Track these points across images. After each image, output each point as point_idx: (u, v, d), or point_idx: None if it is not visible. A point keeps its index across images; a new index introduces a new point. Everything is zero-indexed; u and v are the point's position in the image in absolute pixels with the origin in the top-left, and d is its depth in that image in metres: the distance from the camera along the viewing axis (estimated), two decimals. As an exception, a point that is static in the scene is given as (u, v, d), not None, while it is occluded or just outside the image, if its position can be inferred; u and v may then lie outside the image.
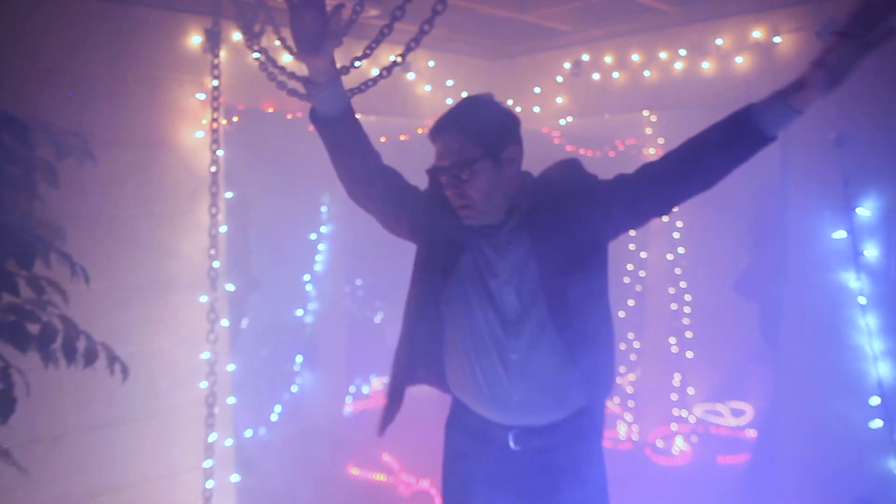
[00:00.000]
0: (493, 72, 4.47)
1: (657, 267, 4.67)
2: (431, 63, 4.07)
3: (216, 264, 3.09)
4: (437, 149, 1.78)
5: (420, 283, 1.92)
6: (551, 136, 4.49)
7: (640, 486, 3.97)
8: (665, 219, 4.08)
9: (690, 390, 4.75)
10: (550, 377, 1.80)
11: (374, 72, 2.31)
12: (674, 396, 4.68)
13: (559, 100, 4.13)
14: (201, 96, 3.14)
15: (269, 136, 3.86)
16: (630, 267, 4.83)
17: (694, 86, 3.53)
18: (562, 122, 4.20)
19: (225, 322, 3.20)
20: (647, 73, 3.71)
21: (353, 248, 5.05)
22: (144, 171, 3.01)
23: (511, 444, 1.85)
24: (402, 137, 4.24)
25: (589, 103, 4.02)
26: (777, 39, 3.22)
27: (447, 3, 1.87)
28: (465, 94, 4.16)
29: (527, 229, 1.79)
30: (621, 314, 4.78)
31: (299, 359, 5.07)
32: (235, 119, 3.53)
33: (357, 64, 2.44)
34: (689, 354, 4.64)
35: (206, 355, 3.08)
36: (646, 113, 4.35)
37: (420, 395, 2.11)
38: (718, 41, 3.42)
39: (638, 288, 4.84)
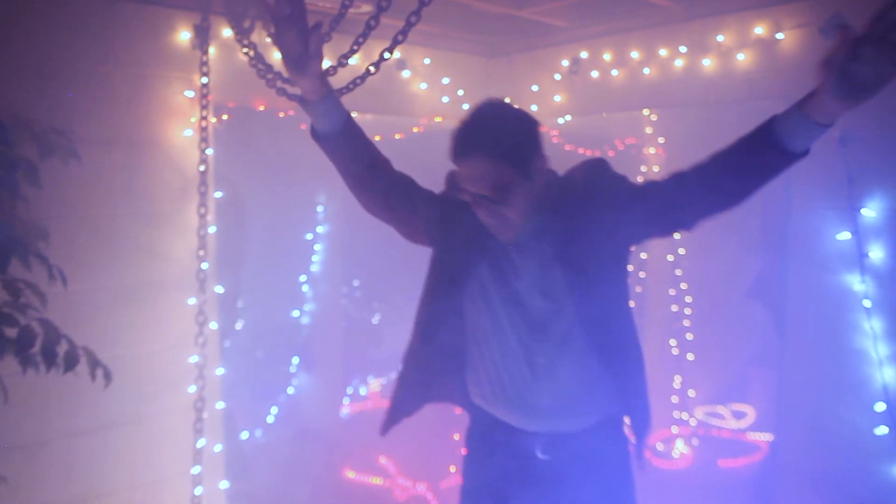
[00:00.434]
0: (490, 69, 4.41)
1: (657, 268, 4.62)
2: (427, 60, 4.01)
3: (205, 266, 3.02)
4: (464, 171, 1.66)
5: (439, 291, 1.85)
6: (549, 136, 4.42)
7: (639, 489, 3.90)
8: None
9: (691, 392, 4.70)
10: (579, 380, 1.76)
11: (371, 68, 2.27)
12: (674, 399, 4.62)
13: (557, 98, 4.07)
14: (190, 94, 3.07)
15: (260, 134, 3.80)
16: (630, 268, 4.75)
17: (695, 84, 3.46)
18: (560, 120, 4.13)
19: (214, 325, 3.13)
20: (646, 71, 3.64)
21: (351, 248, 5.01)
22: (131, 170, 2.95)
23: (539, 453, 1.80)
24: (397, 136, 4.19)
25: (587, 101, 3.96)
26: (780, 36, 3.15)
27: (434, -6, 1.83)
28: (461, 92, 4.15)
29: (551, 229, 1.73)
30: (621, 315, 4.71)
31: (295, 360, 5.03)
32: (225, 117, 3.47)
33: (346, 62, 2.40)
34: (690, 356, 4.60)
35: (194, 359, 3.01)
36: (646, 112, 4.29)
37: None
38: (720, 38, 3.35)
39: (638, 289, 4.78)
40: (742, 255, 4.52)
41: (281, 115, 3.63)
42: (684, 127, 4.16)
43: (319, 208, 4.99)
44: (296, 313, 5.01)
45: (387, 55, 2.16)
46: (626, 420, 1.87)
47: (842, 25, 1.27)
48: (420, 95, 4.04)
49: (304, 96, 1.59)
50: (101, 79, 2.85)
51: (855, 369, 2.94)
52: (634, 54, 3.68)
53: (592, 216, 1.71)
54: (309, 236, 4.96)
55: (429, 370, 1.92)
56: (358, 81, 2.38)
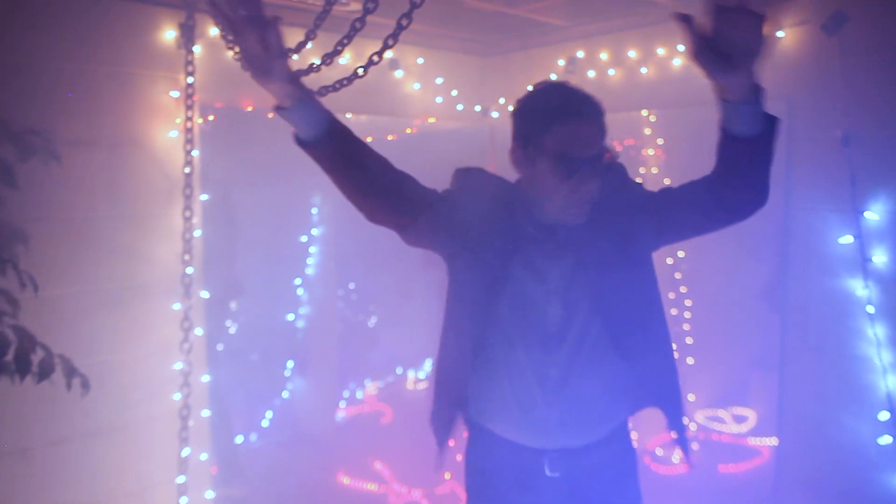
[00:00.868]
0: (485, 69, 4.34)
1: (656, 271, 4.53)
2: (420, 60, 3.94)
3: (190, 270, 2.96)
4: (585, 131, 1.57)
5: (475, 300, 1.71)
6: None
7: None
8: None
9: (691, 397, 4.65)
10: (591, 392, 1.69)
11: (360, 71, 2.20)
12: (674, 404, 4.54)
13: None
14: (175, 94, 3.00)
15: (249, 135, 3.74)
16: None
17: (693, 83, 3.37)
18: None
19: (199, 330, 3.06)
20: (644, 70, 3.58)
21: (346, 250, 4.95)
22: (115, 171, 2.88)
23: (547, 470, 1.72)
24: (390, 137, 4.13)
25: (584, 101, 3.87)
26: (780, 34, 3.08)
27: (426, -6, 1.75)
28: (455, 93, 4.09)
29: (577, 232, 1.67)
30: (620, 319, 4.65)
31: (290, 364, 4.99)
32: (211, 118, 3.39)
33: (330, 62, 2.32)
34: (690, 361, 4.52)
35: (178, 366, 2.94)
36: (644, 112, 4.21)
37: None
38: (719, 36, 3.25)
39: (637, 292, 4.71)
40: (742, 257, 4.44)
41: (270, 115, 3.53)
42: (684, 128, 4.09)
43: (314, 210, 4.94)
44: (291, 317, 4.96)
45: (376, 59, 2.08)
46: (661, 414, 1.82)
47: (683, 18, 1.26)
48: (413, 96, 3.97)
49: (278, 102, 1.48)
50: (84, 78, 2.78)
51: (858, 377, 2.88)
52: (632, 53, 3.61)
53: (615, 219, 1.67)
54: (304, 238, 4.92)
55: (456, 390, 1.80)
56: (344, 83, 2.29)
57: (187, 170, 2.96)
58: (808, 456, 3.08)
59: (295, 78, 1.45)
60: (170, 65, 2.98)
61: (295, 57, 2.43)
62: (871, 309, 2.82)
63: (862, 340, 2.86)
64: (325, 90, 2.31)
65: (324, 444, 4.69)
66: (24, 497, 2.71)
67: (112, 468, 2.92)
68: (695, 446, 4.47)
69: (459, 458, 1.93)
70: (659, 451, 4.42)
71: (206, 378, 3.15)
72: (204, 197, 3.15)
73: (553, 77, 4.00)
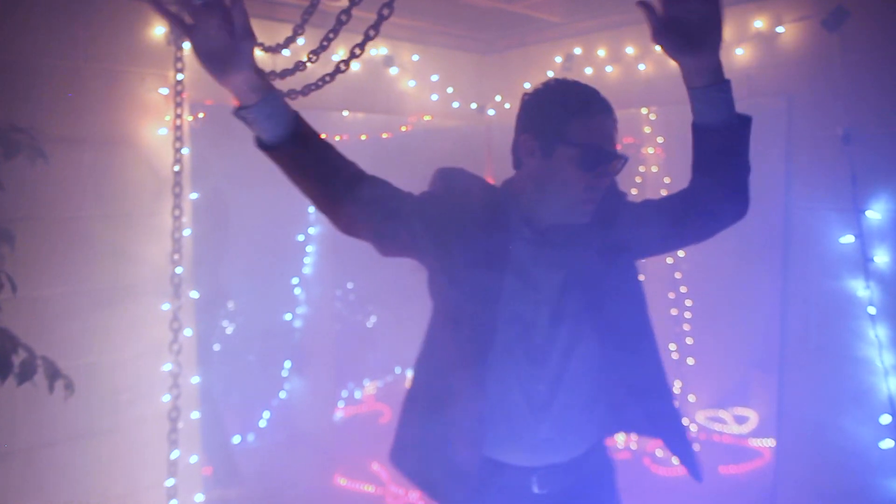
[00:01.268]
0: (481, 66, 4.30)
1: (656, 271, 4.51)
2: (416, 57, 3.90)
3: (179, 270, 2.91)
4: (600, 127, 1.54)
5: (456, 315, 1.61)
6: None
7: (638, 497, 3.81)
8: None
9: (691, 398, 4.61)
10: (580, 409, 1.63)
11: (354, 66, 2.15)
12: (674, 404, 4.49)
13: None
14: (164, 91, 2.96)
15: (240, 132, 3.68)
16: (641, 277, 4.66)
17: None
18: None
19: (188, 331, 3.02)
20: (641, 67, 3.54)
21: (344, 249, 4.91)
22: (103, 170, 2.84)
23: (535, 488, 1.65)
24: (385, 135, 4.09)
25: (581, 99, 3.83)
26: (780, 29, 3.05)
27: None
28: (451, 90, 4.05)
29: (571, 240, 1.60)
30: (620, 319, 4.62)
31: (288, 364, 4.95)
32: (201, 115, 3.35)
33: (316, 58, 2.27)
34: (690, 361, 4.48)
35: (167, 367, 2.90)
36: (644, 111, 4.16)
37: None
38: (718, 32, 3.21)
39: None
40: (743, 257, 4.40)
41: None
42: (684, 126, 4.03)
43: (311, 209, 4.89)
44: (288, 316, 4.92)
45: (358, 52, 2.03)
46: (661, 445, 1.77)
47: (643, 3, 1.34)
48: (408, 93, 3.93)
49: (241, 99, 1.29)
50: (71, 74, 2.74)
51: (859, 379, 2.84)
52: (629, 50, 3.57)
53: (604, 227, 1.60)
54: (300, 238, 4.87)
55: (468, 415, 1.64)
56: (327, 79, 2.24)
57: (177, 168, 2.91)
58: (807, 460, 3.04)
59: (257, 68, 1.29)
60: (159, 61, 2.94)
61: (286, 52, 2.40)
62: (872, 310, 2.79)
63: (863, 342, 2.82)
64: (310, 88, 2.27)
65: (321, 444, 4.66)
66: (11, 500, 2.67)
67: (101, 471, 2.88)
68: (696, 447, 4.43)
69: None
70: (659, 453, 4.38)
71: (195, 379, 3.11)
72: (194, 195, 3.11)
73: (550, 74, 3.95)
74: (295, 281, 4.90)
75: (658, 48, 1.39)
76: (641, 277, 1.71)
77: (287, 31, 2.36)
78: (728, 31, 3.16)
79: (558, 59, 3.89)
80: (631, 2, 1.37)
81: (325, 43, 2.16)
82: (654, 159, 4.42)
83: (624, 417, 1.70)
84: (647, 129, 4.36)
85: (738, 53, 3.16)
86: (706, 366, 4.54)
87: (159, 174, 2.97)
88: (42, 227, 2.70)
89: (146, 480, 2.98)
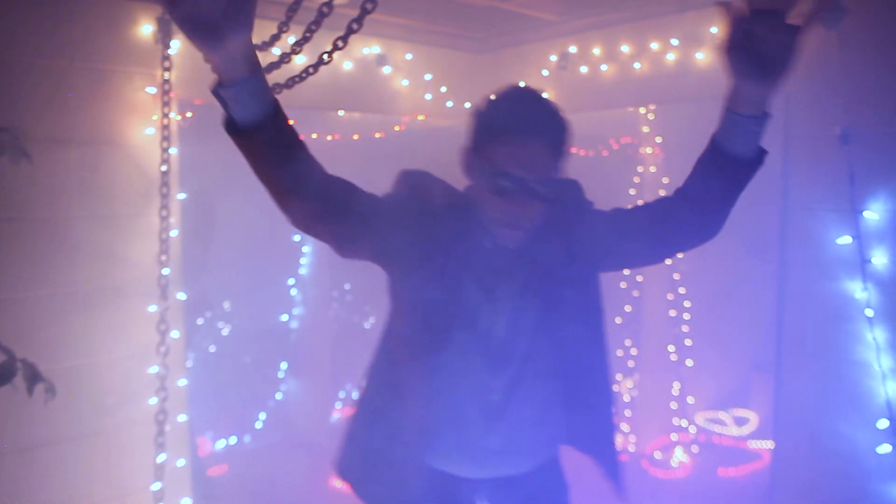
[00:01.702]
0: (475, 65, 4.27)
1: (655, 271, 4.46)
2: (409, 56, 3.86)
3: (166, 271, 2.89)
4: (521, 152, 1.43)
5: (411, 320, 1.57)
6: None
7: (636, 500, 3.76)
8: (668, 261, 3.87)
9: (690, 399, 4.56)
10: (534, 421, 1.58)
11: (347, 65, 2.11)
12: (673, 405, 4.47)
13: (545, 95, 3.90)
14: (152, 90, 2.93)
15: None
16: (627, 271, 4.62)
17: (688, 78, 3.32)
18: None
19: (176, 333, 2.99)
20: (637, 66, 3.49)
21: (341, 250, 4.87)
22: (89, 170, 2.81)
23: (481, 502, 1.63)
24: (378, 135, 4.05)
25: (577, 98, 3.81)
26: None
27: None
28: (444, 89, 4.00)
29: (528, 248, 1.55)
30: (618, 320, 4.58)
31: (284, 365, 4.94)
32: (189, 115, 3.32)
33: (299, 50, 2.24)
34: (689, 363, 4.44)
35: (154, 369, 2.87)
36: (642, 110, 4.12)
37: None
38: (713, 29, 3.20)
39: (635, 293, 4.63)
40: (742, 257, 4.36)
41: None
42: (683, 125, 4.00)
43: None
44: (284, 317, 4.91)
45: (340, 44, 1.99)
46: (592, 462, 1.70)
47: (724, 3, 1.24)
48: (402, 92, 3.89)
49: (227, 75, 1.17)
50: (57, 74, 2.71)
51: (856, 383, 2.80)
52: (625, 48, 3.53)
53: (566, 237, 1.55)
54: (296, 238, 4.85)
55: (414, 422, 1.60)
56: (311, 70, 2.21)
57: (164, 168, 2.89)
58: (804, 464, 2.99)
59: (251, 39, 1.17)
60: (146, 60, 2.91)
61: (276, 51, 2.36)
62: (870, 312, 2.74)
63: (860, 345, 2.78)
64: (293, 80, 2.24)
65: (318, 446, 4.63)
66: (-4, 503, 2.65)
67: (87, 474, 2.85)
68: (695, 449, 4.39)
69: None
70: (657, 455, 4.34)
71: (182, 382, 3.08)
72: (181, 196, 3.07)
73: (545, 73, 3.91)
74: (291, 282, 4.88)
75: (722, 62, 1.27)
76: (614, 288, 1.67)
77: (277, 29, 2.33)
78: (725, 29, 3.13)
79: (553, 58, 3.85)
80: (627, 0, 1.31)
81: (307, 34, 2.13)
82: (653, 159, 4.37)
83: (565, 431, 1.65)
84: (645, 129, 4.31)
85: (734, 52, 3.11)
86: (705, 367, 4.49)
87: (147, 174, 2.94)
88: (27, 228, 2.67)
89: (133, 484, 2.95)
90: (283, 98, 2.21)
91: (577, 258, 1.55)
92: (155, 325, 2.88)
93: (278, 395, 4.91)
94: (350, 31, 1.93)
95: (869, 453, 2.74)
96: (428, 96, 3.97)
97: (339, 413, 5.13)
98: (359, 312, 5.67)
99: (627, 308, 4.60)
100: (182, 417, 3.06)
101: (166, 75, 2.87)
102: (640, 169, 4.39)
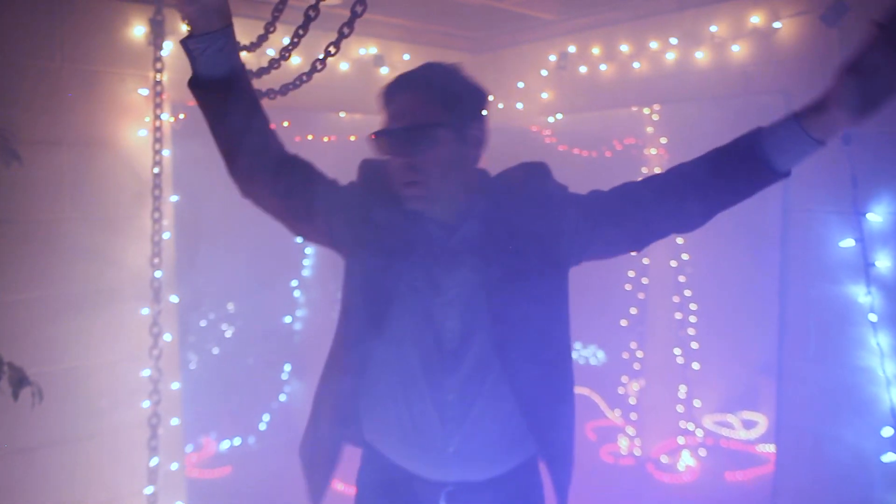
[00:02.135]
0: (474, 65, 4.11)
1: (660, 274, 4.41)
2: (406, 56, 3.84)
3: (159, 274, 2.87)
4: (392, 111, 1.45)
5: (357, 308, 1.56)
6: (542, 135, 4.21)
7: None
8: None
9: (697, 403, 4.51)
10: (495, 423, 1.51)
11: (344, 66, 2.08)
12: (679, 409, 4.42)
13: (544, 95, 3.88)
14: (144, 92, 2.92)
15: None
16: (631, 273, 4.57)
17: (687, 77, 3.27)
18: (550, 119, 3.94)
19: (168, 336, 2.98)
20: (636, 65, 3.45)
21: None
22: (81, 172, 2.81)
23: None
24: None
25: (576, 98, 3.78)
26: (777, 25, 2.96)
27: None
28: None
29: (480, 238, 1.49)
30: (623, 322, 4.53)
31: (288, 367, 4.92)
32: (182, 116, 3.30)
33: (288, 55, 2.22)
34: (696, 366, 4.38)
35: (146, 373, 2.86)
36: (647, 110, 4.06)
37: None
38: (713, 28, 3.16)
39: (640, 296, 4.57)
40: (748, 259, 4.29)
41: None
42: (688, 126, 3.94)
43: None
44: (288, 319, 4.90)
45: (332, 50, 1.97)
46: (543, 468, 1.63)
47: (879, 23, 1.12)
48: (400, 93, 3.84)
49: (201, 24, 1.23)
50: (48, 75, 2.71)
51: (860, 389, 2.74)
52: (624, 48, 3.49)
53: (529, 226, 1.48)
54: (299, 239, 4.81)
55: (343, 407, 1.61)
56: (305, 78, 2.19)
57: (156, 170, 2.87)
58: (807, 473, 2.94)
59: None
60: (139, 62, 2.90)
61: (271, 52, 2.35)
62: (873, 317, 2.68)
63: (864, 350, 2.72)
64: (287, 87, 2.22)
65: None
66: (-12, 507, 2.65)
67: (79, 478, 2.84)
68: (702, 453, 4.33)
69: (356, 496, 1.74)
70: (664, 459, 4.28)
71: (175, 385, 3.07)
72: (174, 198, 3.06)
73: (544, 73, 3.87)
74: (294, 283, 4.87)
75: (836, 80, 1.18)
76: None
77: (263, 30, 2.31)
78: (724, 28, 3.07)
79: (552, 58, 3.82)
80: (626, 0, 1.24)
81: (295, 39, 2.11)
82: (657, 160, 4.31)
83: (530, 438, 1.57)
84: (649, 130, 4.25)
85: (734, 50, 3.08)
86: (712, 370, 4.44)
87: (139, 176, 2.93)
88: (18, 230, 2.67)
89: (126, 488, 2.94)
90: (279, 101, 2.21)
91: (537, 246, 1.48)
92: (147, 328, 2.86)
93: (282, 397, 4.89)
94: (342, 37, 1.90)
95: (873, 462, 2.68)
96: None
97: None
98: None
99: (633, 310, 4.55)
100: (175, 421, 3.05)
101: (158, 77, 2.85)
102: (644, 170, 4.34)
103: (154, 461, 2.86)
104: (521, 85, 3.98)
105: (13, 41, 2.63)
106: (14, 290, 2.65)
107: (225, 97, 1.32)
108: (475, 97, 1.49)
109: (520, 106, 3.97)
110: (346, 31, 1.94)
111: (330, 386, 1.62)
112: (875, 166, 2.65)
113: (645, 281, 4.53)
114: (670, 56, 3.33)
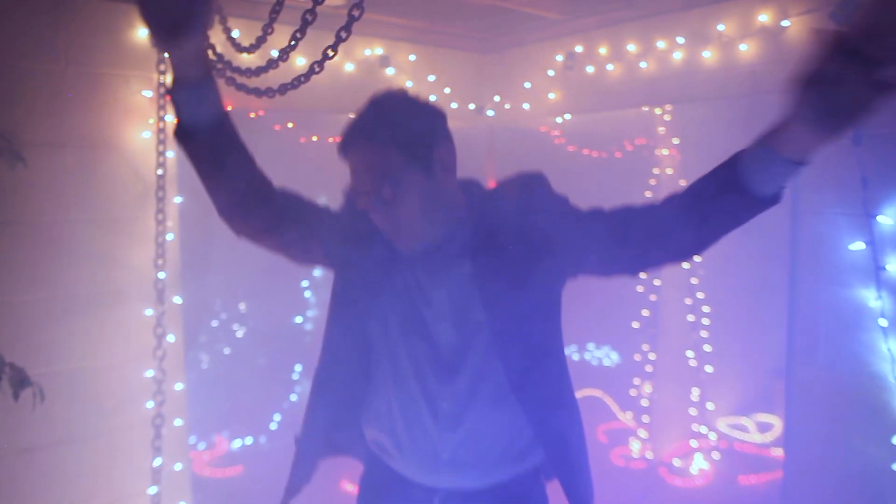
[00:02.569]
0: (479, 66, 4.22)
1: (672, 276, 4.37)
2: (412, 57, 3.82)
3: (162, 275, 2.88)
4: (351, 168, 1.45)
5: (341, 321, 1.58)
6: (551, 136, 4.17)
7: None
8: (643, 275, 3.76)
9: (710, 406, 4.46)
10: (491, 430, 1.51)
11: (349, 66, 2.07)
12: (692, 411, 4.37)
13: (551, 95, 3.85)
14: (148, 93, 2.94)
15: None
16: (643, 275, 4.52)
17: (695, 77, 3.22)
18: (559, 119, 3.91)
19: (172, 337, 2.99)
20: (643, 65, 3.40)
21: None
22: (85, 174, 2.82)
23: None
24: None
25: (583, 98, 3.73)
26: (785, 23, 2.91)
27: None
28: (448, 90, 3.93)
29: (471, 251, 1.48)
30: (635, 325, 4.48)
31: (298, 367, 4.94)
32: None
33: (286, 57, 2.21)
34: (709, 368, 4.33)
35: (150, 373, 2.87)
36: (658, 111, 4.01)
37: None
38: (720, 27, 3.11)
39: (652, 297, 4.52)
40: (760, 261, 4.23)
41: (252, 115, 3.47)
42: (700, 127, 3.89)
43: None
44: (299, 319, 4.92)
45: (330, 53, 1.96)
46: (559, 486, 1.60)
47: (820, 30, 1.02)
48: (406, 94, 3.83)
49: (184, 73, 1.21)
50: (53, 78, 2.73)
51: (871, 396, 2.68)
52: (631, 47, 3.44)
53: (521, 238, 1.47)
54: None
55: (334, 419, 1.64)
56: (303, 79, 2.18)
57: (160, 172, 2.89)
58: (816, 481, 2.88)
59: (205, 43, 1.29)
60: (142, 64, 2.91)
61: (274, 52, 2.32)
62: (884, 322, 2.62)
63: (875, 356, 2.67)
64: (286, 87, 2.22)
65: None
66: (-7, 506, 2.67)
67: (83, 478, 2.86)
68: (715, 456, 4.28)
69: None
70: (676, 462, 4.24)
71: (179, 386, 3.08)
72: (178, 199, 3.07)
73: (550, 73, 3.83)
74: (305, 284, 4.89)
75: (792, 94, 1.06)
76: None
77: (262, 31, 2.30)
78: (732, 27, 3.02)
79: (559, 58, 3.78)
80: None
81: (292, 43, 2.11)
82: (669, 161, 4.26)
83: (535, 450, 1.57)
84: (661, 130, 4.20)
85: (742, 49, 3.03)
86: (725, 373, 4.40)
87: (143, 178, 2.94)
88: (23, 232, 2.68)
89: (130, 488, 2.95)
90: (284, 100, 2.21)
91: (531, 257, 1.46)
92: (151, 329, 2.88)
93: (293, 397, 4.91)
94: (339, 40, 1.89)
95: (885, 470, 2.62)
96: (432, 98, 3.90)
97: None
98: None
99: (645, 312, 4.51)
100: (178, 421, 3.06)
101: (162, 78, 2.87)
102: (655, 171, 4.29)
103: (157, 461, 2.88)
104: (527, 85, 3.94)
105: (17, 44, 2.65)
106: (18, 292, 2.68)
107: (210, 145, 1.31)
108: (429, 122, 1.46)
109: (526, 106, 3.94)
110: (343, 35, 1.93)
111: (321, 398, 1.64)
112: (886, 168, 2.60)
113: (657, 282, 4.49)
114: (678, 55, 3.28)
